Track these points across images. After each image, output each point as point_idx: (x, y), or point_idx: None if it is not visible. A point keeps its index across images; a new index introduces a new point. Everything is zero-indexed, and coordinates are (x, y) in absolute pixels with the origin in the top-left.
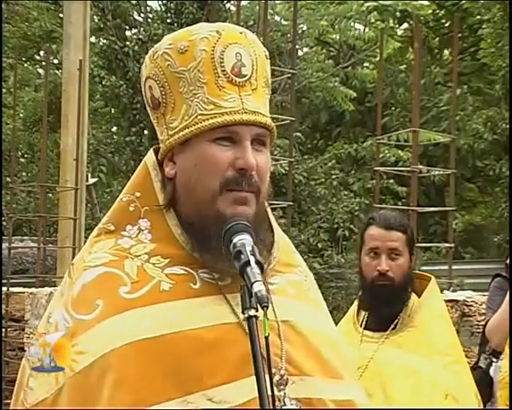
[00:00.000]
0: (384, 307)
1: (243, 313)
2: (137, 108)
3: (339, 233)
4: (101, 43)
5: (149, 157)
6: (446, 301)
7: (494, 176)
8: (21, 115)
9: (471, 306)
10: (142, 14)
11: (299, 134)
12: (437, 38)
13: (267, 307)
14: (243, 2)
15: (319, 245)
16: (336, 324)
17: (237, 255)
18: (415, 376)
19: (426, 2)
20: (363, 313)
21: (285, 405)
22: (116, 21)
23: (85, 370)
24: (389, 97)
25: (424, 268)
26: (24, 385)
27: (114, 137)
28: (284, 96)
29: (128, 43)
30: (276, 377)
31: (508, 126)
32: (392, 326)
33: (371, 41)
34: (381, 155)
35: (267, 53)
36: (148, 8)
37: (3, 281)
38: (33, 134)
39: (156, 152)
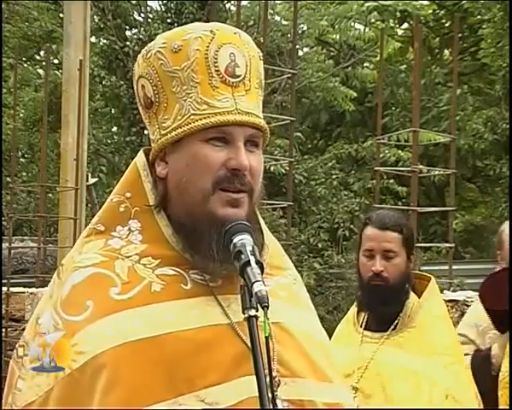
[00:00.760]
0: (379, 307)
1: (243, 312)
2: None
3: (339, 233)
4: (101, 43)
5: (139, 158)
6: (446, 301)
7: (494, 176)
8: (21, 115)
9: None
10: (142, 14)
11: (299, 134)
12: (437, 38)
13: (267, 307)
14: (243, 2)
15: (319, 245)
16: (336, 324)
17: (237, 255)
18: (415, 376)
19: (426, 2)
20: (363, 313)
21: (276, 406)
22: (116, 21)
23: (76, 372)
24: (389, 97)
25: (424, 268)
26: (13, 387)
27: (115, 137)
28: (284, 96)
29: (128, 43)
30: (267, 379)
31: (508, 126)
32: (392, 327)
33: (371, 41)
34: (381, 155)
35: (261, 54)
36: (149, 8)
37: (3, 281)
38: (33, 134)
39: (147, 153)
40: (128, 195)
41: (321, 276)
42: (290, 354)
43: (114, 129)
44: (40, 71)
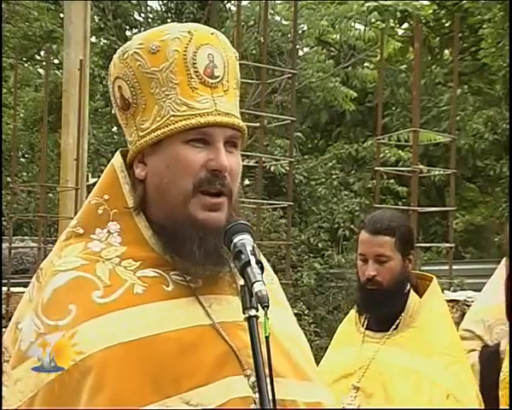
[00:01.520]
0: (375, 310)
1: (244, 312)
2: None
3: (339, 233)
4: (101, 43)
5: (117, 159)
6: (447, 301)
7: (494, 176)
8: (22, 115)
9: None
10: (142, 15)
11: (299, 134)
12: (437, 38)
13: (268, 306)
14: (243, 2)
15: (320, 245)
16: (337, 324)
17: (238, 255)
18: (416, 376)
19: (426, 2)
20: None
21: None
22: (116, 21)
23: (61, 376)
24: (389, 97)
25: (424, 268)
26: None
27: (115, 137)
28: (285, 96)
29: None
30: (252, 379)
31: (508, 126)
32: (394, 326)
33: (372, 41)
34: (381, 155)
35: (237, 54)
36: (149, 9)
37: (4, 281)
38: (34, 134)
39: (124, 154)
40: (106, 197)
41: (321, 276)
42: (272, 354)
43: (114, 129)
44: (40, 71)
